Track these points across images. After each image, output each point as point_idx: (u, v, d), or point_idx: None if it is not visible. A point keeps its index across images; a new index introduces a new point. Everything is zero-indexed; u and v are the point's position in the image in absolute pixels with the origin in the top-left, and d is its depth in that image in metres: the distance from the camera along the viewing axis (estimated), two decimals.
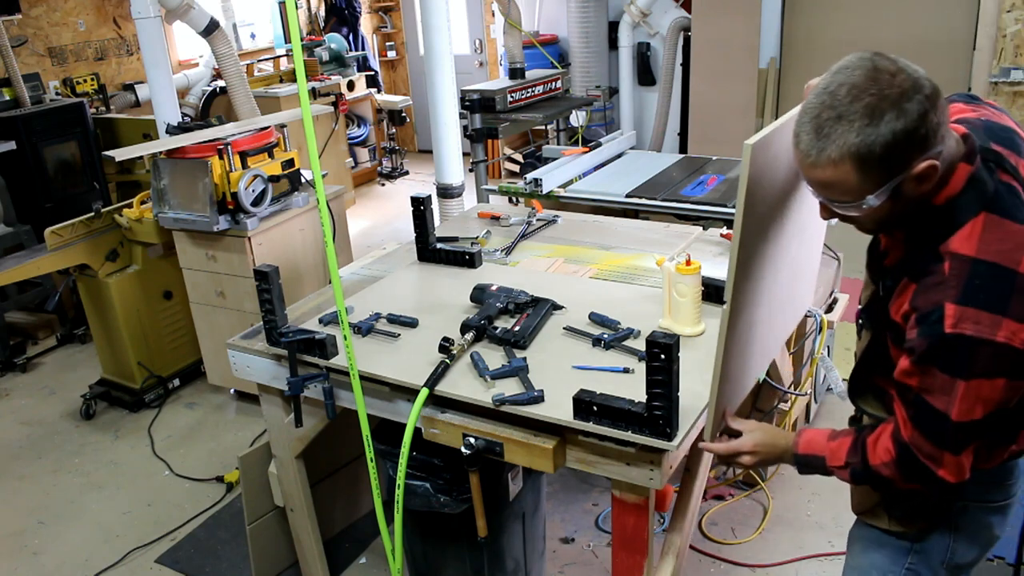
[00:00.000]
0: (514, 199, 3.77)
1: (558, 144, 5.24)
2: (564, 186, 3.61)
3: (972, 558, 1.47)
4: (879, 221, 1.28)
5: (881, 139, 1.14)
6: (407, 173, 7.85)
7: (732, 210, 3.09)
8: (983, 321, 1.15)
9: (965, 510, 1.42)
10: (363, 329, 2.18)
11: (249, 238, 3.36)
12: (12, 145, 4.48)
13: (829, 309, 2.95)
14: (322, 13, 7.94)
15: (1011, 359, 1.16)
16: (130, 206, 3.71)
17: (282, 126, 3.63)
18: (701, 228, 2.83)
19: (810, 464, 1.45)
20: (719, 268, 2.38)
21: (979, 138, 1.27)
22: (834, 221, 1.35)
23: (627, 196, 3.43)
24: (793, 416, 2.97)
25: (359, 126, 7.40)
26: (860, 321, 1.52)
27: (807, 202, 1.68)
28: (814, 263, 2.13)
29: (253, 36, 7.44)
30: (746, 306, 1.53)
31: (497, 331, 2.08)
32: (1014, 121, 1.37)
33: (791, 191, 1.57)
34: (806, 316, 2.72)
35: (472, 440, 1.84)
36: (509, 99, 4.53)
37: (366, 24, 8.30)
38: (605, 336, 2.02)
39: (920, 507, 1.43)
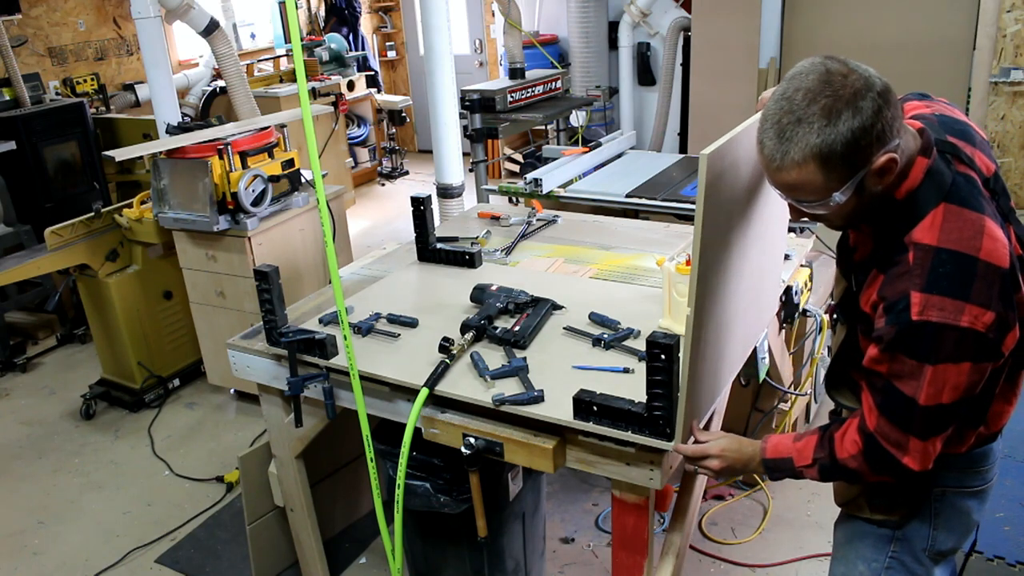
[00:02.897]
0: (514, 199, 3.77)
1: (558, 144, 5.24)
2: (564, 186, 3.61)
3: (952, 544, 1.50)
4: (846, 217, 1.33)
5: (841, 137, 1.19)
6: (407, 173, 7.85)
7: None
8: (947, 308, 1.20)
9: (943, 496, 1.45)
10: (363, 329, 2.18)
11: (249, 238, 3.36)
12: (12, 145, 4.48)
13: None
14: (322, 13, 7.95)
15: (975, 343, 1.21)
16: (130, 206, 3.71)
17: (282, 126, 3.63)
18: None
19: (778, 468, 1.47)
20: None
21: (935, 131, 1.32)
22: (805, 221, 1.39)
23: (627, 196, 3.43)
24: (793, 416, 2.97)
25: (359, 126, 7.40)
26: (835, 316, 1.57)
27: (768, 208, 1.72)
28: (777, 266, 2.16)
29: (253, 36, 7.44)
30: (711, 310, 1.55)
31: (497, 331, 2.08)
32: (965, 115, 1.42)
33: (751, 198, 1.61)
34: (806, 315, 2.72)
35: (472, 440, 1.84)
36: (509, 99, 4.53)
37: (366, 24, 8.30)
38: (605, 336, 2.02)
39: (899, 495, 1.46)
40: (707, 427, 2.02)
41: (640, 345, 1.96)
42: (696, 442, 1.62)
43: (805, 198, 1.28)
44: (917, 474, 1.31)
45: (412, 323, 2.21)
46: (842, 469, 1.38)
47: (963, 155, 1.32)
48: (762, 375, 2.40)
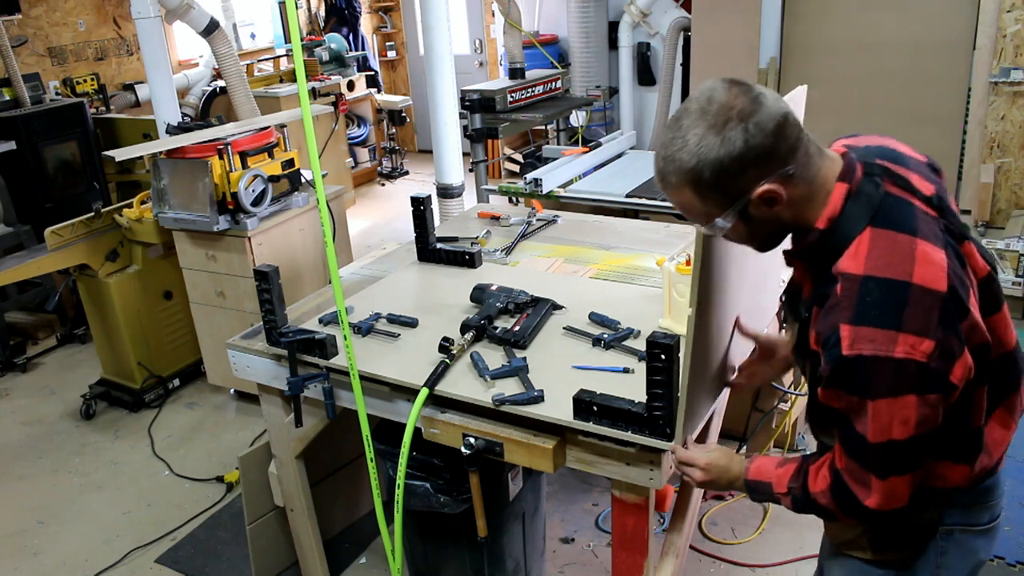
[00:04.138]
0: (514, 199, 3.78)
1: (558, 144, 5.24)
2: (564, 186, 3.61)
3: None
4: (750, 240, 1.32)
5: (708, 165, 1.18)
6: (407, 173, 7.85)
7: None
8: (878, 339, 1.13)
9: (950, 535, 1.38)
10: (363, 329, 2.18)
11: (249, 238, 3.36)
12: (12, 145, 4.48)
13: None
14: (322, 13, 7.95)
15: (917, 374, 1.13)
16: (130, 206, 3.71)
17: (282, 126, 3.63)
18: None
19: (759, 490, 1.44)
20: None
21: (863, 156, 1.29)
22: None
23: (627, 196, 3.43)
24: (793, 416, 2.97)
25: (359, 126, 7.40)
26: (797, 361, 1.51)
27: None
28: (777, 266, 2.15)
29: (253, 36, 7.44)
30: (713, 310, 1.54)
31: (497, 331, 2.08)
32: (904, 145, 1.37)
33: None
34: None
35: (472, 440, 1.84)
36: (509, 99, 4.53)
37: (366, 24, 8.30)
38: (605, 336, 2.02)
39: (906, 534, 1.40)
40: (707, 429, 2.02)
41: (640, 345, 1.96)
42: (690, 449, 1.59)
43: (694, 219, 1.29)
44: (882, 514, 1.26)
45: (412, 323, 2.21)
46: (813, 503, 1.34)
47: (895, 176, 1.26)
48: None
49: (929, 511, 1.35)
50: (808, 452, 1.47)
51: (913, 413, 1.16)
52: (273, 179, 3.45)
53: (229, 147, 3.25)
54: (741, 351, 1.99)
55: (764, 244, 1.34)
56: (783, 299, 1.51)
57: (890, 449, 1.19)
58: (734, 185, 1.20)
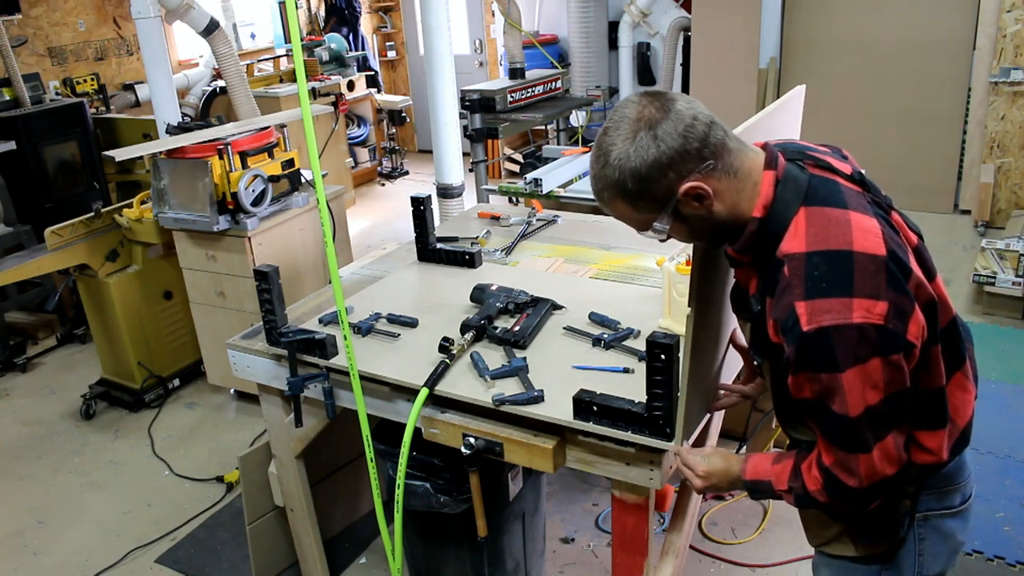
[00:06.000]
0: (514, 199, 3.78)
1: (558, 144, 5.24)
2: (564, 186, 3.61)
3: (940, 568, 1.47)
4: (697, 237, 1.36)
5: (629, 175, 1.26)
6: (407, 173, 7.85)
7: None
8: (834, 308, 1.17)
9: (926, 521, 1.41)
10: (363, 329, 2.18)
11: (249, 238, 3.36)
12: (12, 145, 4.48)
13: None
14: (322, 13, 7.95)
15: (878, 336, 1.17)
16: (130, 206, 3.71)
17: (282, 126, 3.63)
18: None
19: (758, 489, 1.46)
20: None
21: (781, 147, 1.35)
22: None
23: None
24: None
25: (359, 126, 7.40)
26: (755, 359, 1.52)
27: None
28: None
29: (253, 36, 7.44)
30: (711, 309, 1.54)
31: (497, 331, 2.08)
32: (805, 142, 1.43)
33: None
34: None
35: (472, 440, 1.84)
36: (509, 99, 4.53)
37: (366, 24, 8.30)
38: (605, 336, 2.02)
39: (885, 526, 1.43)
40: (707, 430, 2.02)
41: (640, 345, 1.96)
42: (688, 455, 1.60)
43: (635, 228, 1.35)
44: (874, 489, 1.27)
45: (412, 323, 2.21)
46: (814, 501, 1.36)
47: (816, 159, 1.32)
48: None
49: (903, 500, 1.38)
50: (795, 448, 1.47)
51: (880, 376, 1.19)
52: (273, 179, 3.45)
53: (229, 147, 3.25)
54: (729, 373, 1.99)
55: (712, 240, 1.38)
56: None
57: (870, 416, 1.21)
58: (658, 188, 1.26)
